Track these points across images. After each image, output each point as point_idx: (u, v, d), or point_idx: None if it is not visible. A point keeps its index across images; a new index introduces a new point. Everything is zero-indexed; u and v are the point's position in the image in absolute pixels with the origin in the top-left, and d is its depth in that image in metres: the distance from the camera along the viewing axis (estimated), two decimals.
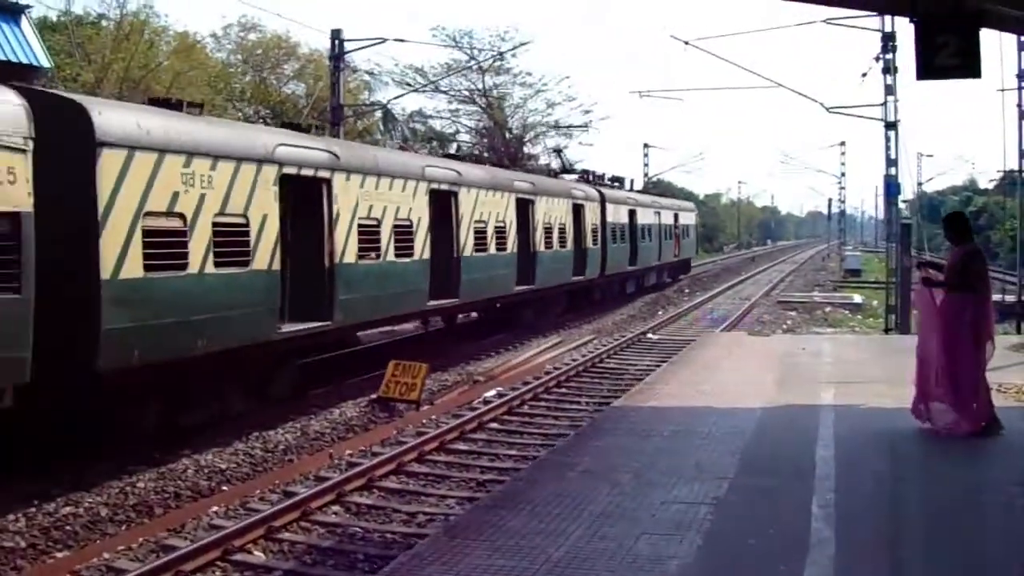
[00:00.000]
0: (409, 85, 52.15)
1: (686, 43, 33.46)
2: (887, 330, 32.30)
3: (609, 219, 38.72)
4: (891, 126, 32.69)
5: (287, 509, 11.94)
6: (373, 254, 19.98)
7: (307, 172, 17.87)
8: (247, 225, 15.92)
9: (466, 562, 8.10)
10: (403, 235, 21.36)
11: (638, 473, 11.05)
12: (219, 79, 48.01)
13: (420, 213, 22.21)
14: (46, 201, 11.92)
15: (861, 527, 9.19)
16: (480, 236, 26.16)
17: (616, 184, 44.52)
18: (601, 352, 25.24)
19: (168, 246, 14.13)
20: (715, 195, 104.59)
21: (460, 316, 29.49)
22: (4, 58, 21.63)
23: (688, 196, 74.06)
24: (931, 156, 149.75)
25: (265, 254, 16.37)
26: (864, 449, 12.55)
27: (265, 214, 16.28)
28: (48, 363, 12.01)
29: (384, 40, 33.51)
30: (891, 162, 33.11)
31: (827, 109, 35.39)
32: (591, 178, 41.49)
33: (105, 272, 13.10)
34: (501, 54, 52.89)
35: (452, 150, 44.45)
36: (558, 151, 48.92)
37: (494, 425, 17.49)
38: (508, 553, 8.29)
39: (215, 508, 12.44)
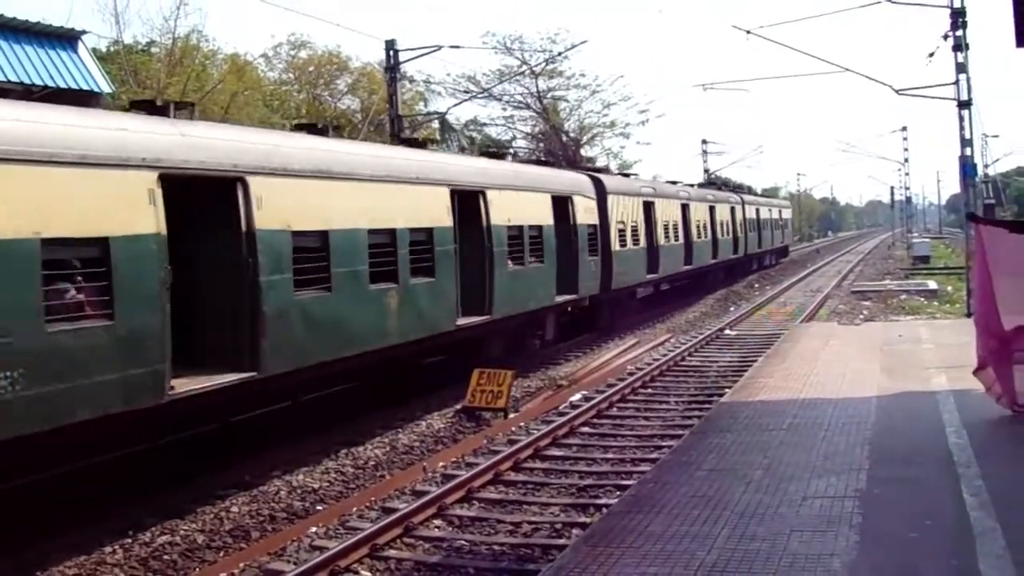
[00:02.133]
0: (464, 93, 51.86)
1: (747, 32, 32.58)
2: (969, 314, 31.23)
3: (748, 216, 53.76)
4: (964, 105, 31.56)
5: (389, 526, 11.42)
6: (517, 259, 21.82)
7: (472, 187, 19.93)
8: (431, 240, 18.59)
9: (616, 571, 7.51)
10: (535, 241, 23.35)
11: (768, 469, 10.44)
12: (274, 98, 47.97)
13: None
14: None
15: None
16: (621, 234, 30.30)
17: (745, 189, 61.60)
18: (681, 351, 24.58)
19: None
20: (774, 189, 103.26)
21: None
22: (64, 85, 21.39)
23: (749, 192, 72.90)
24: (997, 137, 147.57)
25: (449, 265, 19.10)
26: (996, 434, 11.98)
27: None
28: None
29: (439, 47, 33.20)
30: (966, 142, 31.97)
31: (896, 91, 34.26)
32: (731, 186, 56.86)
33: None
34: (553, 57, 52.43)
35: (509, 157, 44.08)
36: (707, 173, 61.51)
37: (586, 429, 16.91)
38: (658, 559, 7.69)
39: (314, 529, 11.92)
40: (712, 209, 44.73)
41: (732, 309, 38.46)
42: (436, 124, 46.02)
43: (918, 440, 11.62)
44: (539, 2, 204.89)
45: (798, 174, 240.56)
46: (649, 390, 20.28)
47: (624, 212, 31.04)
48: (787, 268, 64.21)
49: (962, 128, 31.65)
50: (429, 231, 18.51)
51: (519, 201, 22.78)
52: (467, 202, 20.35)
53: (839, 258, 79.64)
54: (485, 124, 61.38)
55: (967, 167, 32.64)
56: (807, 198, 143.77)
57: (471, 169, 22.37)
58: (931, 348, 19.31)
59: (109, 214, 11.37)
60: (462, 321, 19.82)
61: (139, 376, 11.57)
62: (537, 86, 57.84)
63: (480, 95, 53.91)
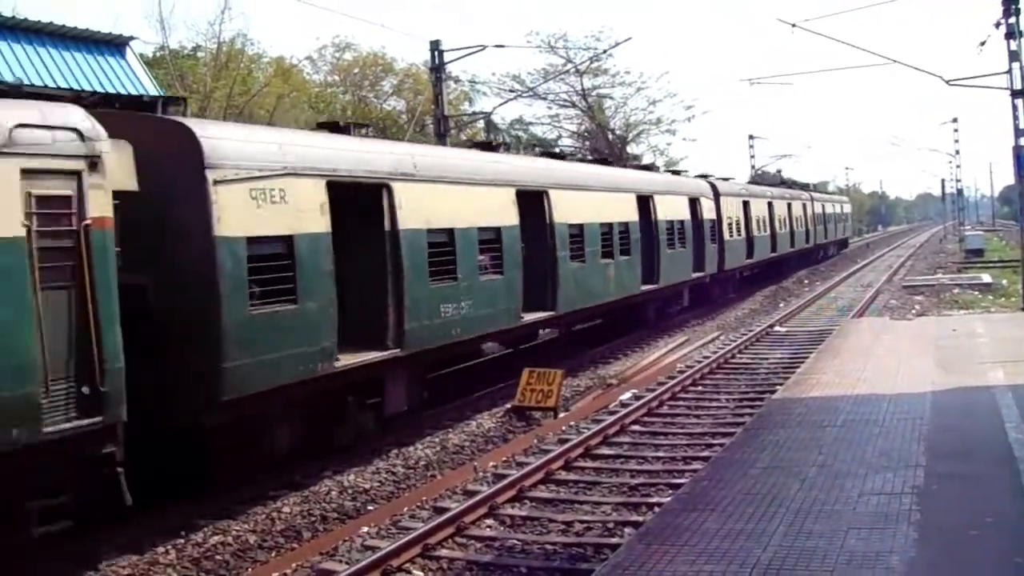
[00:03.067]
0: (509, 93, 51.82)
1: (793, 26, 32.21)
2: None
3: (816, 211, 60.83)
4: (1018, 94, 30.93)
5: (441, 526, 11.40)
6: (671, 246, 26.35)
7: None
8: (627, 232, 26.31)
9: (671, 569, 7.45)
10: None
11: (823, 465, 10.32)
12: (319, 100, 48.27)
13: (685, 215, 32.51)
14: None
15: None
16: (729, 227, 37.91)
17: (814, 187, 68.89)
18: (731, 348, 24.38)
19: None
20: (822, 184, 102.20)
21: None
22: (113, 90, 21.64)
23: (791, 186, 72.62)
24: None
25: (637, 248, 26.98)
26: None
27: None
28: None
29: (484, 47, 33.06)
30: (1020, 132, 31.30)
31: (947, 82, 33.71)
32: (800, 185, 62.65)
33: None
34: (598, 55, 52.21)
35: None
36: (781, 178, 63.66)
37: (636, 428, 16.81)
38: (713, 557, 7.61)
39: (366, 528, 11.94)
40: (789, 206, 51.60)
41: (782, 305, 38.11)
42: (481, 124, 46.06)
43: (976, 436, 11.42)
44: (583, 0, 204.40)
45: (846, 168, 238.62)
46: (699, 388, 20.15)
47: (730, 210, 38.54)
48: (837, 263, 63.51)
49: (1016, 117, 31.03)
50: (625, 224, 26.56)
51: (673, 203, 31.45)
52: (643, 203, 28.48)
53: (889, 252, 78.66)
54: (531, 123, 61.53)
55: (1021, 158, 32.01)
56: (856, 192, 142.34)
57: (643, 180, 30.84)
58: (987, 342, 18.99)
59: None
60: (643, 288, 27.74)
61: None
62: (582, 84, 57.75)
63: (525, 94, 53.91)
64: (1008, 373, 15.11)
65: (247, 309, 12.59)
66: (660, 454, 14.98)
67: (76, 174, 10.27)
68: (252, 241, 12.68)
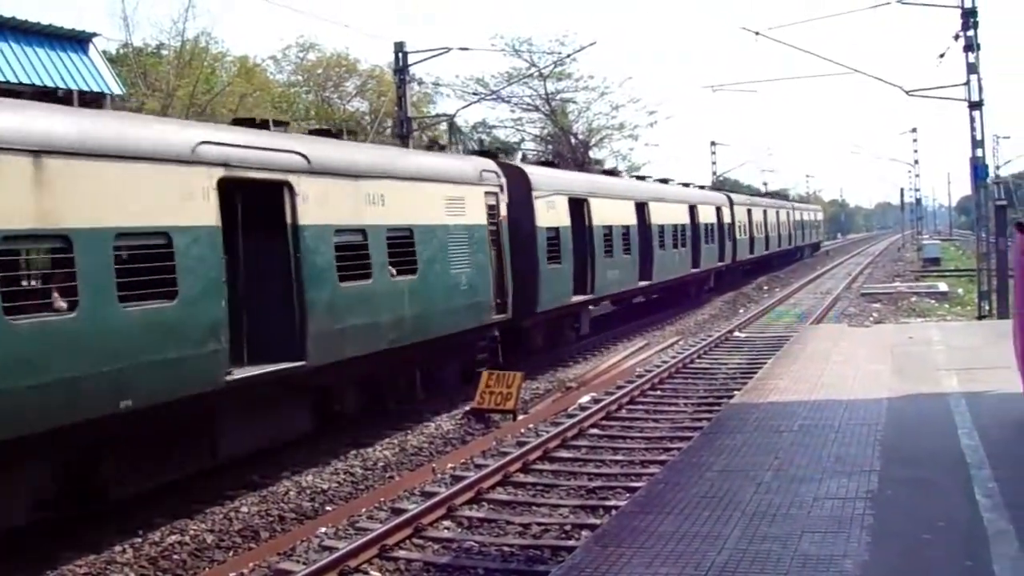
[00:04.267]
0: (472, 96, 51.86)
1: (756, 34, 32.45)
2: (980, 316, 31.10)
3: (796, 218, 73.19)
4: (975, 106, 31.35)
5: (399, 527, 11.42)
6: (611, 252, 29.03)
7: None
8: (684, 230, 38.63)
9: (627, 571, 7.46)
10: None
11: (779, 470, 10.37)
12: (282, 100, 48.03)
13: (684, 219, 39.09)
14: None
15: None
16: (739, 229, 49.54)
17: (794, 198, 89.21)
18: (690, 353, 24.49)
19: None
20: (783, 191, 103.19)
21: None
22: (75, 86, 21.41)
23: (755, 193, 73.43)
24: (1008, 138, 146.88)
25: (688, 242, 38.98)
26: (1009, 436, 11.85)
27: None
28: None
29: (448, 49, 33.10)
30: (977, 143, 31.77)
31: (906, 92, 34.10)
32: (786, 196, 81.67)
33: None
34: (562, 59, 52.36)
35: (518, 158, 44.30)
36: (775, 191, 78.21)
37: (595, 431, 16.86)
38: (669, 560, 7.63)
39: (323, 529, 11.93)
40: (777, 213, 63.84)
41: (741, 311, 38.38)
42: (444, 126, 46.01)
43: (930, 442, 11.51)
44: (548, 4, 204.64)
45: (807, 175, 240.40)
46: (658, 392, 20.23)
47: (739, 216, 49.32)
48: (796, 271, 64.06)
49: (973, 129, 31.49)
50: (684, 226, 38.15)
51: (707, 210, 42.49)
52: (692, 211, 39.66)
53: (848, 260, 79.44)
54: (494, 126, 61.53)
55: (978, 168, 32.44)
56: (816, 200, 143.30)
57: (691, 194, 43.09)
58: (942, 350, 19.17)
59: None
60: (691, 271, 39.03)
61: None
62: (546, 88, 57.88)
63: (489, 97, 53.97)
64: (962, 380, 15.26)
65: (549, 266, 23.95)
66: (618, 457, 15.04)
67: (497, 194, 21.77)
68: (551, 230, 24.53)
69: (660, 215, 34.06)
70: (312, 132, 19.44)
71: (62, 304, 10.82)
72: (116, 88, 23.01)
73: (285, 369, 14.10)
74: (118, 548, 11.30)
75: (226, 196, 13.33)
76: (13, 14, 21.26)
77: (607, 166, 47.69)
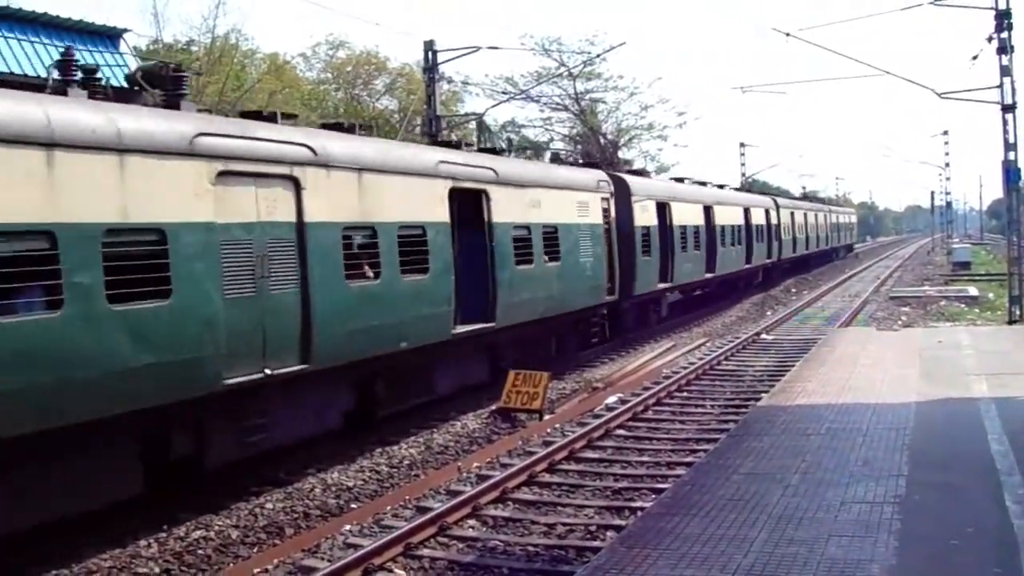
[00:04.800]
0: (501, 95, 51.90)
1: (787, 35, 32.26)
2: (1011, 321, 30.81)
3: (832, 220, 77.90)
4: (1008, 108, 31.02)
5: (423, 525, 11.40)
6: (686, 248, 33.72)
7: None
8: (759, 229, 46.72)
9: (652, 572, 7.45)
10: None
11: (806, 473, 10.33)
12: (312, 97, 48.17)
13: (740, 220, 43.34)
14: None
15: None
16: (786, 230, 55.19)
17: (831, 201, 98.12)
18: (717, 355, 24.36)
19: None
20: (812, 193, 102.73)
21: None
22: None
23: (784, 195, 73.24)
24: None
25: (764, 239, 47.97)
26: None
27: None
28: None
29: (478, 48, 33.15)
30: (1009, 146, 31.41)
31: (938, 95, 33.83)
32: (823, 200, 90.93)
33: None
34: (591, 59, 52.29)
35: (547, 158, 44.32)
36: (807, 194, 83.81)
37: (621, 432, 16.79)
38: (694, 562, 7.62)
39: (348, 527, 11.94)
40: (816, 216, 68.79)
41: (769, 313, 38.18)
42: (473, 125, 46.05)
43: (959, 447, 11.45)
44: (577, 3, 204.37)
45: (837, 178, 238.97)
46: (685, 393, 20.14)
47: (784, 218, 53.47)
48: (824, 273, 63.71)
49: (1006, 132, 31.14)
50: (739, 227, 42.27)
51: (758, 213, 46.65)
52: (746, 213, 44.03)
53: (877, 263, 78.92)
54: (523, 126, 61.49)
55: (1010, 171, 32.07)
56: (845, 202, 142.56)
57: (746, 199, 46.80)
58: (972, 354, 19.05)
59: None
60: (745, 266, 43.35)
61: None
62: (575, 88, 57.86)
63: (518, 96, 53.96)
64: (992, 385, 15.17)
65: (642, 258, 28.32)
66: (644, 458, 14.97)
67: (609, 199, 26.45)
68: (645, 228, 28.95)
69: (722, 217, 38.69)
70: (481, 150, 23.99)
71: (370, 274, 15.63)
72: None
73: (482, 328, 19.12)
74: (143, 542, 11.35)
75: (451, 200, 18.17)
76: (45, 10, 21.45)
77: (635, 166, 47.42)
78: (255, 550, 11.47)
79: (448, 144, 21.70)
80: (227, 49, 40.79)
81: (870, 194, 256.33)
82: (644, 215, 29.08)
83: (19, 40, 20.98)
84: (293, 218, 13.73)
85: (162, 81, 13.59)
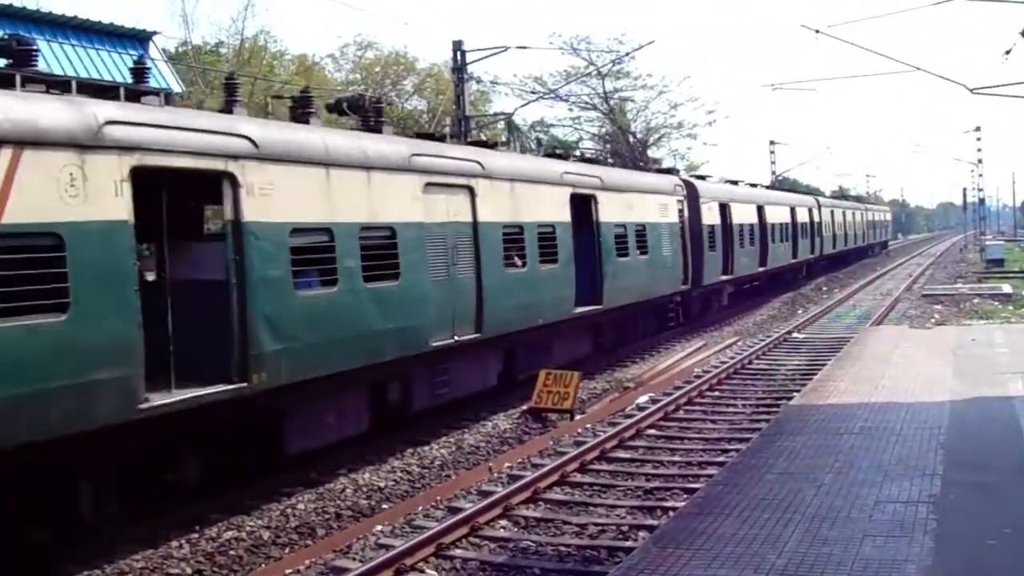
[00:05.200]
0: (530, 94, 51.90)
1: (816, 31, 32.02)
2: None
3: (868, 218, 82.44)
4: None
5: (455, 525, 11.41)
6: (743, 244, 37.36)
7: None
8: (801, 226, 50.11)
9: (686, 572, 7.43)
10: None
11: (840, 472, 10.27)
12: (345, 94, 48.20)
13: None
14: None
15: None
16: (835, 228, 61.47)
17: (864, 198, 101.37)
18: (748, 354, 24.28)
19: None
20: (843, 191, 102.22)
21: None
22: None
23: (815, 192, 73.06)
24: None
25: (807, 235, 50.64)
26: None
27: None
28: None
29: (506, 48, 33.22)
30: None
31: (970, 90, 33.48)
32: (859, 199, 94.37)
33: None
34: (620, 57, 52.19)
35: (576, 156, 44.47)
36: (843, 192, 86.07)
37: (652, 432, 16.75)
38: (728, 562, 7.58)
39: (380, 527, 11.94)
40: (853, 214, 72.42)
41: (799, 312, 37.97)
42: (502, 124, 46.04)
43: (994, 446, 11.34)
44: (606, 2, 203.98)
45: (867, 175, 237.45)
46: (716, 393, 20.08)
47: (825, 216, 56.80)
48: (856, 271, 63.31)
49: None
50: (786, 224, 45.58)
51: (802, 211, 50.26)
52: (792, 212, 47.95)
53: (909, 261, 78.32)
54: (552, 125, 61.46)
55: None
56: (876, 200, 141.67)
57: (791, 198, 51.02)
58: (1006, 352, 18.87)
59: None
60: (791, 261, 47.01)
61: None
62: (604, 87, 57.78)
63: (547, 96, 53.91)
64: None
65: (708, 253, 31.91)
66: (676, 458, 14.92)
67: (682, 201, 30.13)
68: (710, 226, 32.36)
69: (773, 215, 42.60)
70: (579, 160, 28.61)
71: (519, 263, 19.61)
72: (176, 86, 23.33)
73: (592, 309, 22.80)
74: (175, 543, 11.41)
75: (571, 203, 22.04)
76: (75, 13, 21.63)
77: (664, 165, 47.32)
78: (287, 551, 11.51)
79: (563, 157, 26.93)
80: (256, 50, 40.99)
81: (901, 191, 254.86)
82: (709, 215, 32.70)
83: (48, 42, 21.16)
84: (470, 218, 17.65)
85: (363, 110, 17.37)
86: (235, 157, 12.41)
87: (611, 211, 24.12)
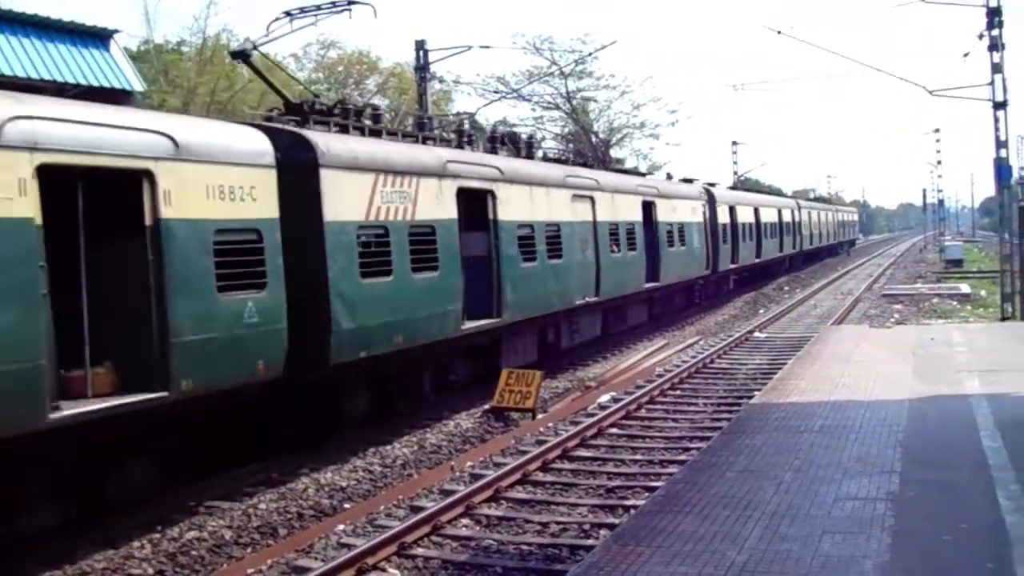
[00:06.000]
0: (493, 94, 51.90)
1: (778, 32, 32.46)
2: (1003, 318, 30.88)
3: (838, 219, 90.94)
4: (1000, 106, 31.06)
5: (417, 524, 11.41)
6: (745, 239, 45.48)
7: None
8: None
9: (646, 570, 7.44)
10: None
11: (799, 470, 10.33)
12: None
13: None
14: None
15: None
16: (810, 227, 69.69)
17: (833, 200, 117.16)
18: (710, 353, 24.40)
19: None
20: (803, 191, 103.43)
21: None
22: (97, 83, 21.45)
23: (776, 193, 73.88)
24: None
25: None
26: None
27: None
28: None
29: (469, 48, 33.22)
30: (1001, 144, 31.44)
31: (930, 92, 33.91)
32: (829, 200, 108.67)
33: None
34: (583, 57, 52.34)
35: (539, 156, 44.36)
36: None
37: (614, 431, 16.80)
38: (688, 559, 7.61)
39: (342, 526, 11.92)
40: (826, 214, 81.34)
41: (761, 311, 38.23)
42: (465, 124, 45.86)
43: (951, 443, 11.45)
44: (569, 2, 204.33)
45: (828, 176, 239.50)
46: (678, 392, 20.17)
47: (803, 216, 63.96)
48: (817, 271, 63.83)
49: (997, 129, 31.20)
50: (775, 223, 53.49)
51: (795, 213, 60.44)
52: (779, 212, 56.71)
53: (869, 261, 79.01)
54: (514, 125, 61.34)
55: (1002, 169, 32.11)
56: (837, 200, 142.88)
57: (778, 201, 59.40)
58: (964, 352, 19.07)
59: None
60: (778, 254, 54.56)
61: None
62: (567, 87, 57.82)
63: (509, 95, 53.91)
64: (984, 382, 15.18)
65: (722, 246, 40.38)
66: (637, 457, 14.99)
67: (705, 203, 38.73)
68: (723, 225, 40.88)
69: (765, 216, 50.64)
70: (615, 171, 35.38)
71: (616, 249, 27.00)
72: (137, 85, 23.04)
73: (654, 286, 30.99)
74: (136, 543, 11.32)
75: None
76: (35, 11, 21.34)
77: (627, 165, 47.45)
78: (248, 550, 11.46)
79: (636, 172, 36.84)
80: (218, 49, 40.67)
81: (862, 192, 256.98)
82: (722, 215, 40.74)
83: (8, 40, 20.84)
84: (591, 218, 25.42)
85: (515, 142, 24.73)
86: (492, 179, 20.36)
87: (664, 213, 32.15)
